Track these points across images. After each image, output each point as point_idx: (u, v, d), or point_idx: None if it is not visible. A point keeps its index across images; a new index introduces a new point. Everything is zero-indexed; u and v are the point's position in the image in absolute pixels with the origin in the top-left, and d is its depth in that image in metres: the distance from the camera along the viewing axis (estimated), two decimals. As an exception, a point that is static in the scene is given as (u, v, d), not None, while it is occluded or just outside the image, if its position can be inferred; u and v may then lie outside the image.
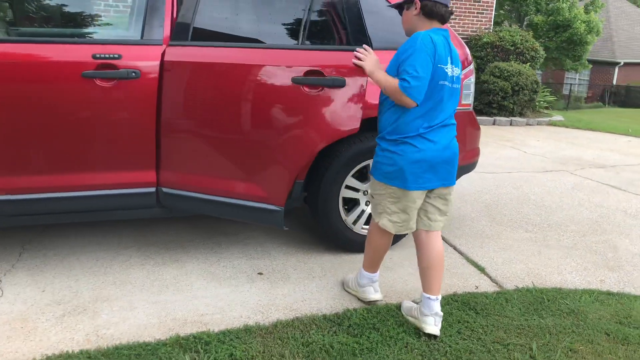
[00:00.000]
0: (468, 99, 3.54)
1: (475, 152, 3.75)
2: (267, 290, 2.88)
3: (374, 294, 2.75)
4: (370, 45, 2.96)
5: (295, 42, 2.83)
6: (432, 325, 2.47)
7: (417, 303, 2.61)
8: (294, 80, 2.70)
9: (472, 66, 3.54)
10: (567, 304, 2.87)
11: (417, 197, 2.46)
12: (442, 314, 2.51)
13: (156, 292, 2.79)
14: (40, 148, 2.65)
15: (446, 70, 2.37)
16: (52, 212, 2.80)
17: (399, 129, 2.41)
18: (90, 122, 2.68)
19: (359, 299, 2.79)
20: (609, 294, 3.07)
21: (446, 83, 2.38)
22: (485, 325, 2.60)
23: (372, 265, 2.73)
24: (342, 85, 2.76)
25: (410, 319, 2.58)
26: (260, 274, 3.07)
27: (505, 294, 2.96)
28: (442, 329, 2.54)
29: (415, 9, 2.39)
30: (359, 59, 2.57)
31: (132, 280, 2.90)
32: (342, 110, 2.82)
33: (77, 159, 2.72)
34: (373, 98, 3.13)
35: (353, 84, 2.77)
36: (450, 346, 2.42)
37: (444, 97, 2.39)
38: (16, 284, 2.77)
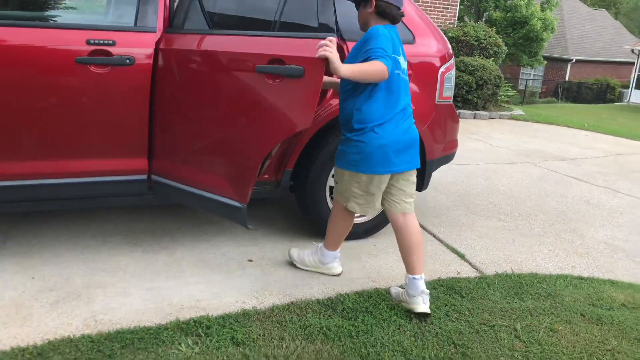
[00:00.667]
0: (449, 92, 3.67)
1: (454, 144, 3.89)
2: (259, 276, 2.93)
3: (339, 268, 2.99)
4: (340, 36, 3.05)
5: (268, 29, 2.73)
6: (422, 304, 2.59)
7: (402, 288, 2.72)
8: (258, 69, 2.52)
9: (452, 60, 3.66)
10: (544, 287, 3.05)
11: (383, 180, 2.62)
12: (428, 291, 2.62)
13: (149, 279, 2.80)
14: (33, 134, 2.61)
15: (399, 60, 2.54)
16: (44, 199, 2.76)
17: (364, 118, 2.52)
18: (84, 108, 2.65)
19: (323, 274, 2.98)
20: (580, 278, 3.26)
21: (400, 73, 2.54)
22: (471, 308, 2.73)
23: (336, 244, 2.93)
24: (300, 75, 2.47)
25: (402, 304, 2.68)
26: (250, 260, 3.11)
27: (486, 279, 3.10)
28: (432, 312, 2.65)
29: (370, 7, 2.53)
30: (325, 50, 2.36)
31: (122, 267, 2.89)
32: (299, 102, 2.52)
33: (70, 145, 2.69)
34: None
35: (312, 75, 2.46)
36: (440, 328, 2.54)
37: (400, 85, 2.55)
38: (4, 271, 2.73)
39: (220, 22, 2.91)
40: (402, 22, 3.41)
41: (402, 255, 2.69)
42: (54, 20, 2.77)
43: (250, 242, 3.36)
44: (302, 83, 2.47)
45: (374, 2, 2.51)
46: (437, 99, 3.55)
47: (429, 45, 3.52)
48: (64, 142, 2.68)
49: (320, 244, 2.99)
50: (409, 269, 2.66)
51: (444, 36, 3.70)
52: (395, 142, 2.54)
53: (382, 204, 2.74)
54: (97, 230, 3.32)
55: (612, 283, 3.23)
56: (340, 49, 3.15)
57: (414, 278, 2.62)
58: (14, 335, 2.23)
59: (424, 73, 3.48)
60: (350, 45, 3.19)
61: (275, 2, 2.73)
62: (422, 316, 2.59)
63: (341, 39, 3.17)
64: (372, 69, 2.35)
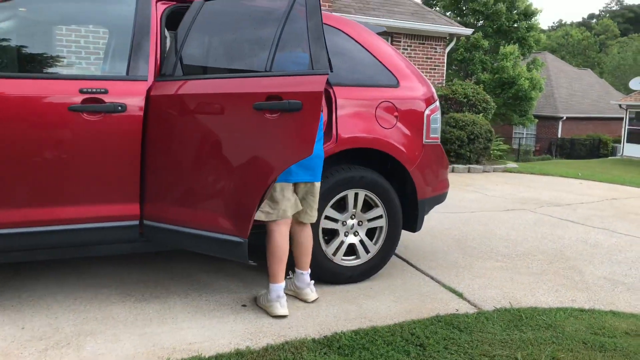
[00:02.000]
0: (436, 133, 3.75)
1: (445, 184, 3.93)
2: (252, 320, 2.87)
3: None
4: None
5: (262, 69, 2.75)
6: (311, 293, 3.14)
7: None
8: (255, 106, 2.61)
9: (437, 103, 3.76)
10: (544, 319, 2.98)
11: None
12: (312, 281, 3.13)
13: (140, 326, 2.75)
14: (25, 181, 2.65)
15: None
16: (36, 248, 2.76)
17: None
18: (76, 155, 2.70)
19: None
20: (581, 310, 3.20)
21: None
22: (470, 341, 2.67)
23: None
24: (298, 108, 2.56)
25: (263, 306, 3.00)
26: (244, 306, 3.07)
27: (485, 314, 3.05)
28: (429, 345, 2.60)
29: None
30: None
31: (114, 316, 2.85)
32: (297, 136, 2.60)
33: (62, 192, 2.72)
34: (345, 131, 3.30)
35: (310, 108, 2.55)
36: (439, 360, 2.47)
37: None
38: (-7, 323, 2.69)
39: (215, 69, 3.03)
40: (386, 67, 3.55)
41: (297, 254, 3.14)
42: (48, 72, 2.88)
43: (243, 288, 3.32)
44: (301, 116, 2.56)
45: None
46: (424, 140, 3.62)
47: (414, 89, 3.63)
48: (56, 189, 2.71)
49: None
50: (299, 265, 3.14)
51: (427, 80, 3.82)
52: None
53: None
54: (89, 282, 3.29)
55: (614, 314, 3.17)
56: (327, 94, 3.28)
57: (302, 273, 3.15)
58: (0, 382, 2.17)
59: (410, 115, 3.57)
60: (337, 89, 3.32)
61: (267, 49, 2.82)
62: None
63: (327, 83, 3.27)
64: None
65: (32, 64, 3.05)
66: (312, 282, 3.19)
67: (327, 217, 3.35)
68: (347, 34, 3.51)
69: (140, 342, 2.57)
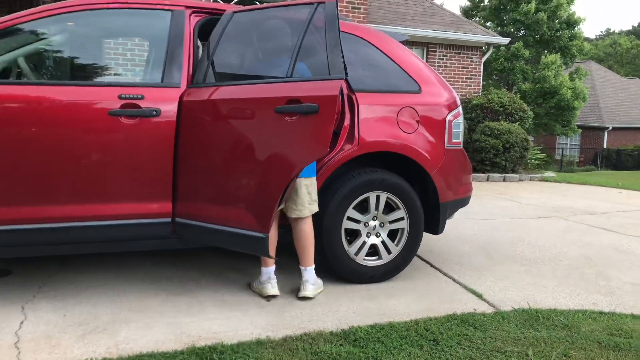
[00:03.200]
0: (458, 137, 3.84)
1: (468, 187, 4.00)
2: (275, 314, 3.03)
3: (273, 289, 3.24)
4: (348, 85, 3.36)
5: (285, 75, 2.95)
6: (302, 290, 3.24)
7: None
8: (276, 109, 2.80)
9: (459, 109, 3.86)
10: (560, 320, 3.02)
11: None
12: (311, 280, 3.26)
13: (171, 316, 2.94)
14: (68, 180, 2.89)
15: None
16: (76, 242, 2.99)
17: None
18: (114, 156, 2.94)
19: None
20: (601, 313, 3.22)
21: None
22: (484, 337, 2.74)
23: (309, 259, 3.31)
24: (315, 111, 2.75)
25: (256, 289, 3.26)
26: (268, 301, 3.22)
27: (502, 314, 3.11)
28: (442, 340, 2.69)
29: None
30: None
31: (147, 307, 3.05)
32: (314, 136, 2.79)
33: (100, 189, 2.96)
34: (367, 135, 3.44)
35: (326, 110, 2.74)
36: (451, 354, 2.56)
37: None
38: (38, 310, 2.93)
39: (242, 76, 3.23)
40: (408, 73, 3.68)
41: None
42: (92, 79, 3.14)
43: (270, 285, 3.47)
44: (318, 118, 2.74)
45: None
46: (446, 144, 3.71)
47: (436, 94, 3.74)
48: (96, 187, 2.95)
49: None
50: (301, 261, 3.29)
51: (449, 86, 3.92)
52: None
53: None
54: (128, 276, 3.52)
55: (634, 317, 3.18)
56: (349, 100, 3.42)
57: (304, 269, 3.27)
58: (42, 360, 2.39)
59: (431, 120, 3.67)
60: (359, 95, 3.46)
61: (289, 56, 3.00)
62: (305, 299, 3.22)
63: (349, 89, 3.43)
64: None
65: (78, 72, 3.33)
66: (308, 280, 3.30)
67: (349, 218, 3.48)
68: (370, 42, 3.66)
69: (169, 329, 2.76)
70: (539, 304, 3.34)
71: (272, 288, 3.21)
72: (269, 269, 3.25)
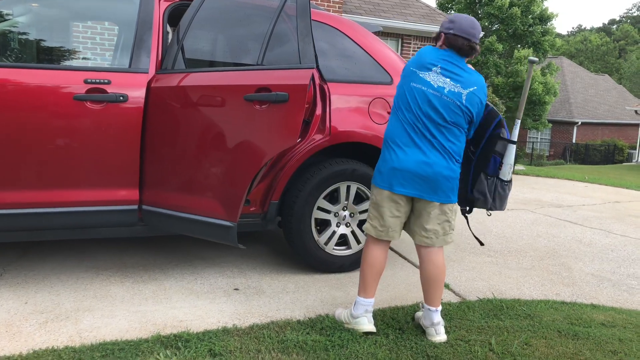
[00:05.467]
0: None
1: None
2: (243, 302, 3.02)
3: (368, 325, 2.67)
4: (320, 75, 3.33)
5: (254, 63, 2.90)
6: (435, 335, 2.63)
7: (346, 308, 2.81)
8: (246, 97, 2.76)
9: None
10: (524, 310, 3.09)
11: (392, 199, 2.58)
12: (442, 321, 2.66)
13: (136, 304, 2.91)
14: (31, 165, 2.82)
15: (425, 77, 2.51)
16: (40, 228, 2.93)
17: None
18: (80, 141, 2.87)
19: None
20: (563, 303, 3.30)
21: (425, 89, 2.50)
22: (448, 326, 2.78)
23: (365, 287, 2.68)
24: (285, 100, 2.73)
25: (344, 325, 2.71)
26: (236, 289, 3.21)
27: (467, 303, 3.16)
28: (408, 329, 2.72)
29: (440, 40, 2.61)
30: None
31: (112, 295, 3.01)
32: (284, 126, 2.76)
33: (65, 175, 2.89)
34: (339, 125, 3.43)
35: (296, 100, 2.72)
36: (415, 343, 2.59)
37: (428, 110, 2.49)
38: (-1, 298, 2.87)
39: (212, 62, 3.19)
40: (380, 64, 3.68)
41: (422, 284, 2.71)
42: (57, 63, 3.05)
43: (238, 273, 3.47)
44: (288, 107, 2.72)
45: (443, 36, 2.59)
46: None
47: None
48: (61, 173, 2.88)
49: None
50: (426, 299, 2.68)
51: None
52: (403, 167, 2.53)
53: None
54: (91, 264, 3.46)
55: (594, 307, 3.27)
56: (321, 89, 3.42)
57: (429, 309, 2.66)
58: (2, 348, 2.34)
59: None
60: (331, 85, 3.45)
61: (260, 44, 2.98)
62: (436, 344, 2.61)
63: (321, 78, 3.42)
64: None
65: (43, 55, 3.24)
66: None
67: (319, 208, 3.48)
68: (343, 32, 3.65)
69: (135, 318, 2.72)
70: (504, 294, 3.41)
71: (369, 323, 2.66)
72: (368, 301, 2.67)
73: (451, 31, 2.54)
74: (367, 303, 2.67)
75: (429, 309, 2.66)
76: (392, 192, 2.57)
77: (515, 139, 2.69)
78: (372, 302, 2.69)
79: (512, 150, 2.66)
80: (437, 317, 2.65)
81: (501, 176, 2.68)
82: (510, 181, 2.70)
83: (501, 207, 2.75)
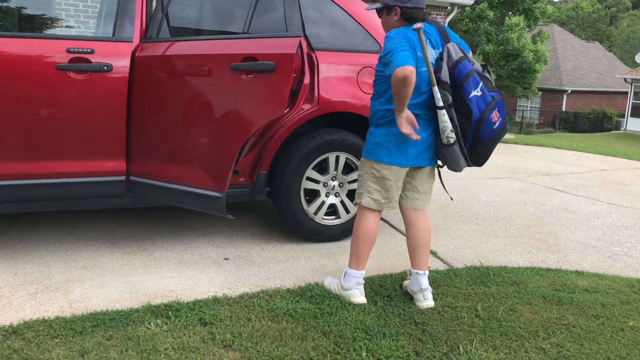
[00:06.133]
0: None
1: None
2: (233, 272, 3.04)
3: (360, 297, 2.71)
4: (308, 43, 3.28)
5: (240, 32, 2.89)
6: (422, 300, 2.68)
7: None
8: (232, 67, 2.72)
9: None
10: (510, 277, 3.14)
11: (393, 172, 2.59)
12: (430, 287, 2.70)
13: (126, 274, 2.92)
14: (14, 136, 2.78)
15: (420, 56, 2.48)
16: (26, 200, 2.91)
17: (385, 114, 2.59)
18: (64, 112, 2.83)
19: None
20: (548, 269, 3.36)
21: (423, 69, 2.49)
22: (436, 294, 2.83)
23: (358, 260, 2.70)
24: (272, 70, 2.69)
25: (338, 293, 2.73)
26: (227, 259, 3.23)
27: (454, 271, 3.21)
28: (396, 296, 2.76)
29: (396, 14, 2.57)
30: None
31: (102, 265, 3.02)
32: (271, 96, 2.73)
33: (50, 147, 2.86)
34: (327, 95, 3.41)
35: (283, 69, 2.68)
36: (403, 310, 2.63)
37: (420, 82, 2.49)
38: (-12, 270, 2.87)
39: (198, 31, 3.13)
40: (369, 32, 3.64)
41: (409, 250, 2.76)
42: (39, 31, 2.99)
43: (228, 244, 3.48)
44: (274, 77, 2.69)
45: (399, 9, 2.55)
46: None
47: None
48: (46, 144, 2.85)
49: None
50: (414, 263, 2.72)
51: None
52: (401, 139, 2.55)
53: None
54: (81, 235, 3.46)
55: (578, 273, 3.33)
56: (309, 58, 3.38)
57: (417, 273, 2.71)
58: (-8, 319, 2.35)
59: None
60: (320, 54, 3.41)
61: (244, 12, 2.95)
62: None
63: (309, 47, 3.38)
64: (396, 88, 2.35)
65: (24, 24, 3.16)
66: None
67: (308, 178, 3.49)
68: (331, 0, 3.59)
69: (125, 288, 2.74)
70: (491, 262, 3.46)
71: (361, 295, 2.71)
72: (360, 273, 2.71)
73: (408, 4, 2.53)
74: (358, 275, 2.71)
75: (417, 273, 2.70)
76: (401, 166, 2.59)
77: (440, 104, 2.49)
78: (363, 274, 2.72)
79: (440, 115, 2.50)
80: (425, 282, 2.69)
81: (443, 141, 2.56)
82: (448, 145, 2.53)
83: (451, 168, 2.64)
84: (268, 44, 2.69)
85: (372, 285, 2.90)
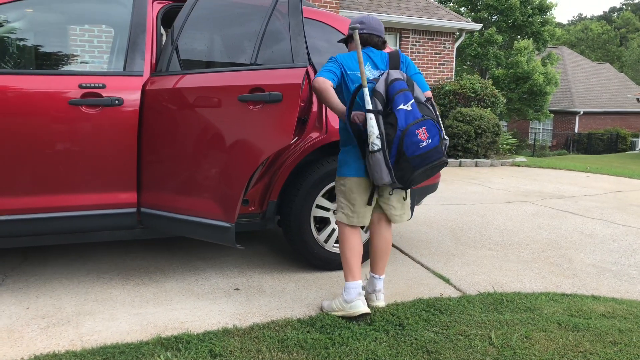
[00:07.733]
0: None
1: (436, 175, 4.03)
2: (243, 302, 3.03)
3: (363, 307, 2.75)
4: (312, 66, 3.38)
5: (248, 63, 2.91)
6: (375, 300, 2.92)
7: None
8: (240, 98, 2.77)
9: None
10: (524, 303, 3.09)
11: (354, 183, 2.78)
12: (383, 289, 2.95)
13: (137, 306, 2.92)
14: (29, 170, 2.83)
15: (357, 75, 2.74)
16: (40, 233, 2.94)
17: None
18: (76, 146, 2.88)
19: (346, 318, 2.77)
20: (563, 295, 3.30)
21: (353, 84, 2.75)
22: (448, 321, 2.79)
23: (351, 271, 2.78)
24: (279, 100, 2.73)
25: (336, 313, 2.81)
26: (237, 289, 3.22)
27: (467, 297, 3.16)
28: (408, 325, 2.72)
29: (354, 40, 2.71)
30: None
31: (113, 298, 3.03)
32: (278, 125, 2.76)
33: (63, 180, 2.90)
34: (335, 122, 3.43)
35: (290, 99, 2.73)
36: (415, 338, 2.60)
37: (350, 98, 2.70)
38: (1, 304, 2.88)
39: (207, 63, 3.19)
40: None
41: (370, 255, 2.98)
42: (52, 68, 3.06)
43: (238, 273, 3.48)
44: (282, 106, 2.74)
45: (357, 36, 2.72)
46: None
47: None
48: (59, 178, 2.90)
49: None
50: (373, 268, 2.95)
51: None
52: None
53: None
54: (92, 267, 3.48)
55: (595, 298, 3.26)
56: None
57: (373, 276, 2.94)
58: (4, 354, 2.35)
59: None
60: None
61: (251, 44, 3.00)
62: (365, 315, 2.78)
63: (314, 70, 3.42)
64: (316, 96, 2.70)
65: (39, 61, 3.25)
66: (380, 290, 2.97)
67: (318, 206, 3.49)
68: (337, 29, 3.64)
69: (135, 320, 2.74)
70: (504, 288, 3.41)
71: (364, 305, 2.76)
72: (357, 283, 2.77)
73: (364, 30, 2.81)
74: (357, 285, 2.80)
75: (373, 276, 2.93)
76: (359, 176, 2.78)
77: (368, 107, 2.56)
78: (361, 284, 2.82)
79: (368, 119, 2.56)
80: (380, 285, 2.92)
81: (369, 147, 2.58)
82: (372, 152, 2.55)
83: (374, 179, 2.63)
84: (275, 74, 2.73)
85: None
